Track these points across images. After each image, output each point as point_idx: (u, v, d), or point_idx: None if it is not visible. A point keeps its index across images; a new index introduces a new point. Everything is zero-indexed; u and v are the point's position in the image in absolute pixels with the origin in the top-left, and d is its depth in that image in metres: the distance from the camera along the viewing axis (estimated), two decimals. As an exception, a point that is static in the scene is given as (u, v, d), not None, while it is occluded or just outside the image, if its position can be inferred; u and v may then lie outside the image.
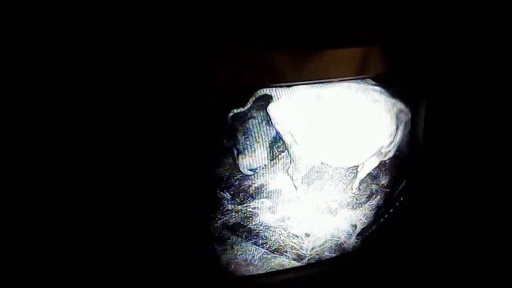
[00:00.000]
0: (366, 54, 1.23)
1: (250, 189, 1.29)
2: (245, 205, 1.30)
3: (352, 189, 1.39)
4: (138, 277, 1.24)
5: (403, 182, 1.42)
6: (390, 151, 1.36)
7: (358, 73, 1.25)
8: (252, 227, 1.34)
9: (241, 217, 1.31)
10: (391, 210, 1.44)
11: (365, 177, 1.40)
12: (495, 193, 1.42)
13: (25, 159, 1.06)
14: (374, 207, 1.42)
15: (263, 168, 1.29)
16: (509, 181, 1.38)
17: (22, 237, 1.12)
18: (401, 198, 1.43)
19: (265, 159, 1.28)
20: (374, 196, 1.40)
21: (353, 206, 1.39)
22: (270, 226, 1.35)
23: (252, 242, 1.37)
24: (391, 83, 1.30)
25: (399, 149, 1.37)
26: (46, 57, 0.98)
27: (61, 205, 1.12)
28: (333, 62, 1.21)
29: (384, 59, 1.25)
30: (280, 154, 1.30)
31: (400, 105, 1.32)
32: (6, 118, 1.00)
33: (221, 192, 1.26)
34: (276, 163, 1.30)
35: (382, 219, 1.44)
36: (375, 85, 1.30)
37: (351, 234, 1.42)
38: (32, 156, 1.06)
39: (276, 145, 1.28)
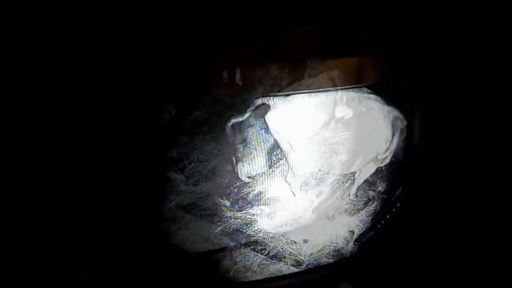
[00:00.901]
0: (362, 64, 1.25)
1: (249, 196, 1.31)
2: (244, 212, 1.32)
3: (349, 195, 1.41)
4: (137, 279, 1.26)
5: (399, 188, 1.44)
6: (386, 157, 1.38)
7: (354, 82, 1.26)
8: (251, 233, 1.35)
9: (240, 224, 1.33)
10: (388, 216, 1.45)
11: (362, 183, 1.42)
12: (492, 198, 1.43)
13: (25, 159, 1.07)
14: (371, 213, 1.43)
15: (261, 175, 1.31)
16: (506, 185, 1.40)
17: (22, 237, 1.13)
18: (398, 204, 1.44)
19: (263, 166, 1.30)
20: (371, 202, 1.42)
21: (350, 212, 1.41)
22: (268, 233, 1.37)
23: (251, 249, 1.39)
24: (386, 91, 1.32)
25: (395, 156, 1.39)
26: (44, 56, 0.99)
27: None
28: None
29: (379, 68, 1.27)
30: (278, 162, 1.32)
31: (395, 112, 1.34)
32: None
33: (220, 199, 1.28)
34: (274, 170, 1.32)
35: (379, 225, 1.45)
36: (371, 93, 1.32)
37: (348, 240, 1.42)
38: (32, 156, 1.07)
39: (274, 153, 1.30)
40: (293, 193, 1.35)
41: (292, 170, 1.31)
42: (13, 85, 0.99)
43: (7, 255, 1.12)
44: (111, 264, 1.22)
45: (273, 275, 1.39)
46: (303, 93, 1.22)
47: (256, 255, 1.36)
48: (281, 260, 1.38)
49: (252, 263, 1.36)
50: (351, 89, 1.28)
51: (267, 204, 1.33)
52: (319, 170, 1.34)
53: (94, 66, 1.00)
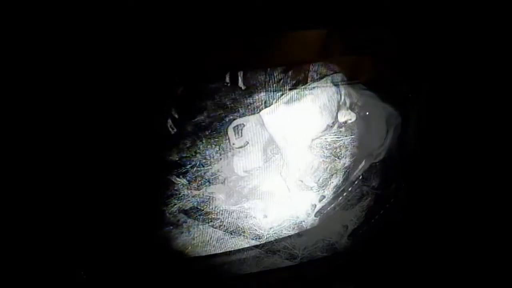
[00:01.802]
0: (358, 60, 1.25)
1: (244, 190, 1.31)
2: (239, 205, 1.32)
3: (344, 191, 1.43)
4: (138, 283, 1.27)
5: (393, 184, 1.47)
6: (380, 153, 1.40)
7: (350, 78, 1.26)
8: (246, 227, 1.37)
9: (235, 218, 1.34)
10: (382, 212, 1.49)
11: (357, 179, 1.44)
12: (486, 195, 1.48)
13: (25, 159, 1.05)
14: (365, 209, 1.46)
15: (257, 169, 1.31)
16: (501, 183, 1.45)
17: (22, 237, 1.12)
18: (392, 200, 1.48)
19: (259, 161, 1.30)
20: (365, 197, 1.44)
21: (344, 207, 1.43)
22: (263, 227, 1.39)
23: (246, 242, 1.40)
24: (381, 88, 1.32)
25: (389, 152, 1.41)
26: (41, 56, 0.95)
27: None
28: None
29: (375, 65, 1.27)
30: (273, 157, 1.32)
31: (390, 109, 1.35)
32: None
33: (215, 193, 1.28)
34: (270, 165, 1.32)
35: (373, 220, 1.49)
36: (366, 89, 1.32)
37: (342, 235, 1.46)
38: (32, 156, 1.05)
39: (270, 148, 1.30)
40: (288, 188, 1.36)
41: (287, 165, 1.32)
42: (13, 87, 0.96)
43: (8, 256, 1.11)
44: (113, 266, 1.22)
45: (268, 268, 1.42)
46: (297, 89, 1.21)
47: (251, 248, 1.38)
48: (275, 254, 1.40)
49: (247, 256, 1.38)
50: (347, 85, 1.29)
51: (262, 198, 1.33)
52: (313, 166, 1.36)
53: (95, 70, 0.97)
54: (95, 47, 0.96)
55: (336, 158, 1.36)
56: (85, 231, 1.15)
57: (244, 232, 1.37)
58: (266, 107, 1.17)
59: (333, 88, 1.25)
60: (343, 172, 1.41)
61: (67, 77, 0.97)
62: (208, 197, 1.24)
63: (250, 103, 1.14)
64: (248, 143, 1.19)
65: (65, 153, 1.05)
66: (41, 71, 0.95)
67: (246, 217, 1.34)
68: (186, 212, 1.24)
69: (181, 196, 1.20)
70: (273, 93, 1.16)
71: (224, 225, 1.33)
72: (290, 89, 1.18)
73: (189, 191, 1.20)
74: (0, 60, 0.93)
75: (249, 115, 1.16)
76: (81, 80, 0.97)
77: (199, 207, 1.24)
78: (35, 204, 1.09)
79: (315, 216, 1.44)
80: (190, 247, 1.31)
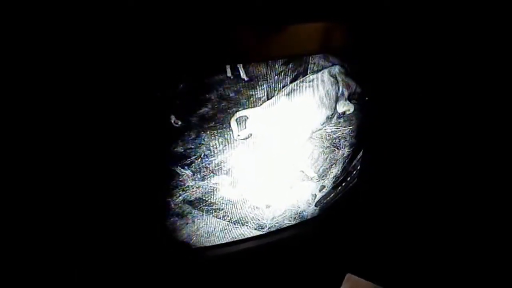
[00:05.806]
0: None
1: (248, 181, 1.32)
2: (242, 196, 1.34)
3: (343, 181, 1.47)
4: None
5: (360, 152, 1.51)
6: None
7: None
8: (250, 217, 1.40)
9: (239, 208, 1.36)
10: (348, 179, 1.54)
11: (355, 169, 1.47)
12: (451, 172, 1.59)
13: (23, 159, 1.06)
14: (333, 177, 1.49)
15: (260, 161, 1.31)
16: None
17: (19, 238, 1.14)
18: (358, 167, 1.53)
19: (262, 152, 1.30)
20: (334, 165, 1.46)
21: (314, 178, 1.45)
22: (266, 217, 1.43)
23: (249, 232, 1.44)
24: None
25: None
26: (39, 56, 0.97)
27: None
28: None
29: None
30: (275, 148, 1.33)
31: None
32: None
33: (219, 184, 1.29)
34: (272, 156, 1.33)
35: (339, 187, 1.53)
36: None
37: (310, 203, 1.49)
38: (28, 157, 1.07)
39: (272, 140, 1.31)
40: (290, 179, 1.38)
41: (291, 160, 1.34)
42: (15, 86, 0.98)
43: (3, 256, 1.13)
44: (117, 258, 1.24)
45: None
46: (302, 81, 1.23)
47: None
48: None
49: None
50: (347, 77, 1.30)
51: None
52: (322, 165, 1.39)
53: (100, 65, 0.98)
54: (98, 41, 0.97)
55: (336, 149, 1.39)
56: (90, 223, 1.18)
57: (247, 222, 1.40)
58: (268, 98, 1.18)
59: (331, 80, 1.26)
60: (342, 162, 1.43)
61: (76, 74, 0.99)
62: (212, 187, 1.25)
63: (253, 95, 1.16)
64: (251, 135, 1.21)
65: (71, 146, 1.07)
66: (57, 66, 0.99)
67: (249, 207, 1.37)
68: (191, 203, 1.26)
69: (186, 187, 1.22)
70: (275, 85, 1.17)
71: (228, 216, 1.36)
72: (290, 82, 1.20)
73: (193, 182, 1.22)
74: (1, 60, 0.94)
75: (251, 107, 1.17)
76: (88, 76, 1.00)
77: (203, 197, 1.27)
78: (39, 199, 1.12)
79: (315, 206, 1.47)
80: (194, 238, 1.33)
